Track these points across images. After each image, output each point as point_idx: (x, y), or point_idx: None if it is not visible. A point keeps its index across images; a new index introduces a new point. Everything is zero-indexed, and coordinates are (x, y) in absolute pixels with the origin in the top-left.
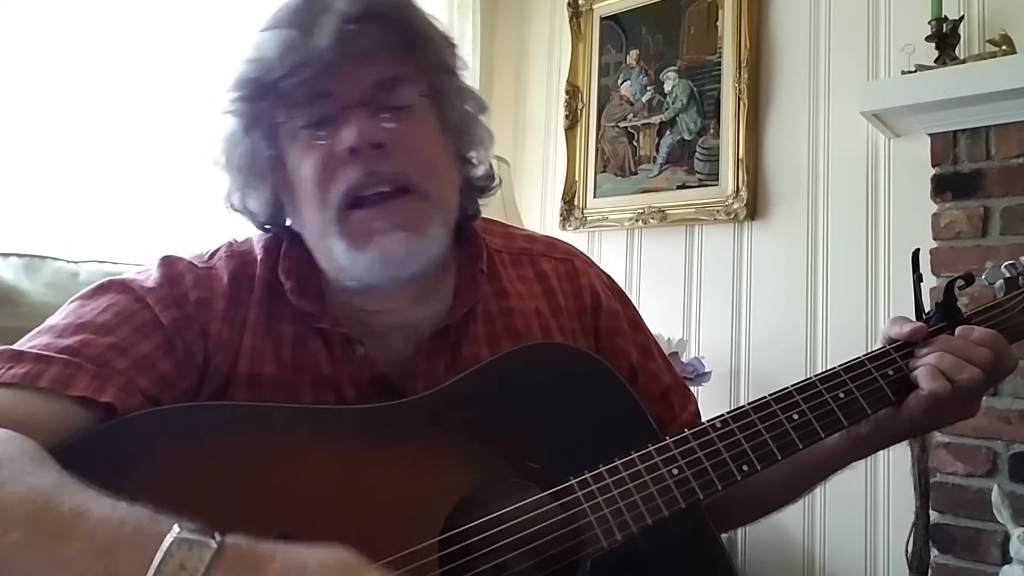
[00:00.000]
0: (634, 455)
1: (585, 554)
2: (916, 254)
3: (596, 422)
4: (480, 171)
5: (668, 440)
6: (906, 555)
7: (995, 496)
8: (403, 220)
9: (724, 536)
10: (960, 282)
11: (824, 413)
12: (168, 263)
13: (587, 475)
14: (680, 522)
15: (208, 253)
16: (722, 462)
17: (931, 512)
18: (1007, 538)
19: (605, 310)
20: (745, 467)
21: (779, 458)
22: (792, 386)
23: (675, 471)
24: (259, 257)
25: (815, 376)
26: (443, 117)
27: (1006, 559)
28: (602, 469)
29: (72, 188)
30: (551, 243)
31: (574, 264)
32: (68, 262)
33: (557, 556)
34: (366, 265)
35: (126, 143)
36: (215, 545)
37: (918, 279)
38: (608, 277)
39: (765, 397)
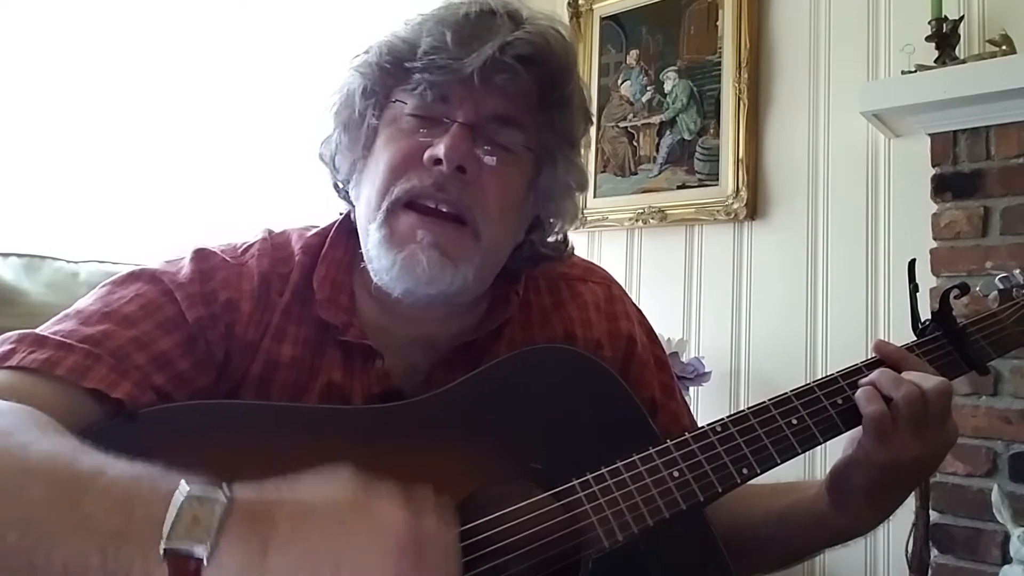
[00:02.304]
0: (635, 457)
1: (587, 554)
2: (912, 265)
3: (598, 425)
4: (550, 238)
5: (669, 443)
6: (906, 555)
7: (995, 496)
8: (444, 243)
9: None
10: (955, 291)
11: (823, 419)
12: (201, 257)
13: (589, 476)
14: (681, 523)
15: (242, 247)
16: (722, 465)
17: (931, 512)
18: (1007, 538)
19: (639, 342)
20: (745, 470)
21: (778, 462)
22: (791, 392)
23: (676, 473)
24: (297, 259)
25: (813, 382)
26: (538, 175)
27: (1006, 559)
28: (604, 471)
29: (72, 188)
30: (590, 268)
31: (611, 290)
32: (68, 262)
33: (559, 556)
34: (388, 265)
35: (126, 143)
36: (225, 499)
37: (914, 289)
38: (639, 310)
39: (765, 402)
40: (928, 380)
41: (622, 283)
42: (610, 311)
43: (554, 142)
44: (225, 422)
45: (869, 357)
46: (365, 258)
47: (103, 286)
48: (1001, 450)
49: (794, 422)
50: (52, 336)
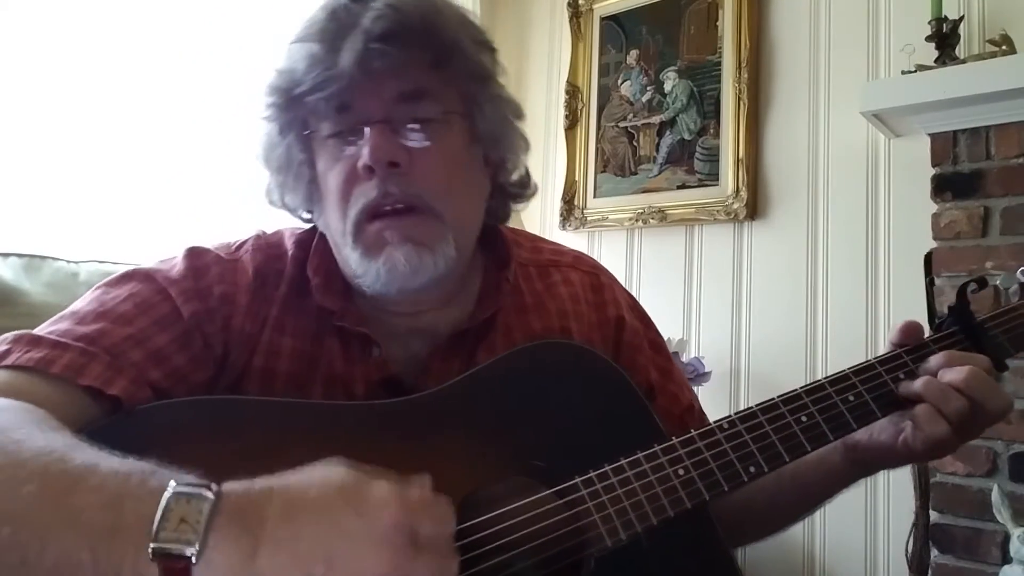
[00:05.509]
0: (639, 455)
1: (589, 553)
2: (928, 257)
3: (602, 421)
4: (514, 177)
5: (674, 440)
6: (906, 555)
7: (995, 496)
8: (412, 234)
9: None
10: (973, 286)
11: (833, 416)
12: (194, 254)
13: (592, 474)
14: (685, 523)
15: (236, 244)
16: (729, 463)
17: (931, 512)
18: (1007, 538)
19: (628, 326)
20: (752, 468)
21: (787, 460)
22: (801, 388)
23: (681, 471)
24: (290, 252)
25: (824, 379)
26: (474, 126)
27: (1006, 559)
28: (607, 468)
29: (72, 188)
30: (579, 256)
31: (599, 278)
32: (68, 262)
33: (561, 554)
34: (375, 275)
35: (126, 143)
36: (212, 496)
37: (931, 283)
38: (631, 296)
39: (774, 399)
40: (985, 392)
41: (622, 283)
42: (598, 299)
43: (469, 88)
44: (225, 418)
45: (886, 352)
46: (350, 275)
47: (97, 287)
48: (1001, 450)
49: (803, 419)
50: (47, 336)
